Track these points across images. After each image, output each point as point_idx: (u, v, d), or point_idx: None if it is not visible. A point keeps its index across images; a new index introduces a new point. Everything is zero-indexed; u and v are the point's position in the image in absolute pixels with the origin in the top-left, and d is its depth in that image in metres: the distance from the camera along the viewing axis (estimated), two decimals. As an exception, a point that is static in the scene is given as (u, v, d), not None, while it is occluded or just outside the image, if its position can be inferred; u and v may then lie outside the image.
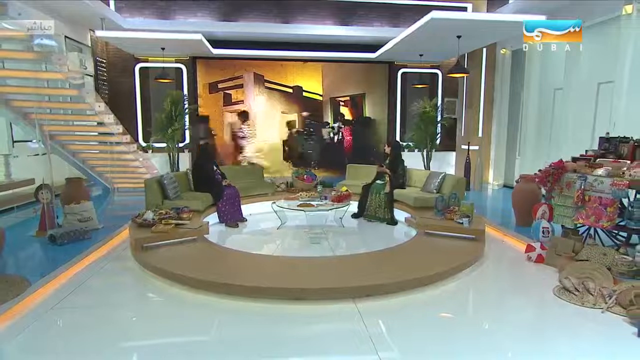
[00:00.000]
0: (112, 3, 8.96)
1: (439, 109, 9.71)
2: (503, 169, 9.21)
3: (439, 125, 9.71)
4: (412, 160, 9.54)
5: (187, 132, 9.71)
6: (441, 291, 3.70)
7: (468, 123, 9.81)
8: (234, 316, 3.26)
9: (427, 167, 9.27)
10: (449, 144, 10.69)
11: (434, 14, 6.46)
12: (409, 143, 10.14)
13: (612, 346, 2.83)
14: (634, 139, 4.45)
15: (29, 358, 2.71)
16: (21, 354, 2.75)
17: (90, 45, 9.10)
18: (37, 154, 6.47)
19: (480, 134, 9.40)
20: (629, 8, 5.45)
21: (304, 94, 10.63)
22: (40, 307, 3.28)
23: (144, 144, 9.80)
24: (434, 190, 6.06)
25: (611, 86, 6.03)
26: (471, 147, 9.07)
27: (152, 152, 9.78)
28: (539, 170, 4.69)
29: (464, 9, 9.56)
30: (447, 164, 10.77)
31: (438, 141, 10.17)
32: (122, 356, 2.70)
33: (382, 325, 3.07)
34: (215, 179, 6.13)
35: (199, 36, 8.13)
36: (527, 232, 5.16)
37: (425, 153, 9.37)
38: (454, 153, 10.83)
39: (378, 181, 6.44)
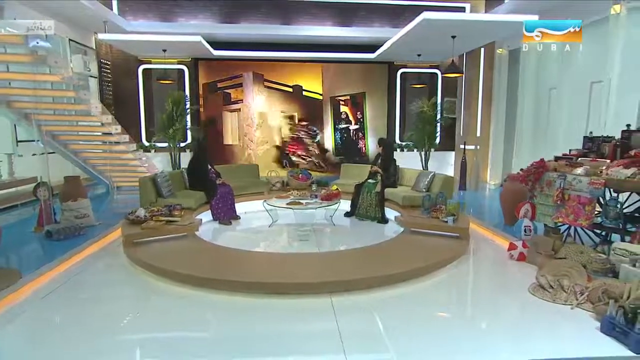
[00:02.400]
0: (115, 6, 9.20)
1: (439, 108, 9.74)
2: (501, 168, 9.22)
3: (438, 125, 9.76)
4: (411, 160, 9.63)
5: (189, 132, 9.92)
6: (419, 288, 3.78)
7: (467, 123, 9.82)
8: (215, 310, 3.38)
9: (425, 166, 9.30)
10: (449, 144, 10.71)
11: (426, 14, 6.53)
12: (408, 143, 10.17)
13: (575, 340, 2.89)
14: (616, 138, 4.47)
15: (17, 347, 2.86)
16: (10, 342, 2.89)
17: (94, 47, 9.36)
18: (42, 153, 6.68)
19: (478, 134, 9.40)
20: (617, 7, 5.45)
21: (304, 93, 10.73)
22: (30, 298, 3.46)
23: (146, 144, 10.03)
24: (424, 189, 6.14)
25: (605, 85, 6.02)
26: (468, 147, 9.10)
27: (154, 151, 10.03)
28: (521, 169, 4.74)
29: (462, 9, 9.61)
30: (447, 163, 10.79)
31: (437, 141, 10.23)
32: (107, 348, 2.78)
33: (353, 322, 3.13)
34: (208, 177, 6.28)
35: (198, 38, 8.31)
36: (515, 230, 5.22)
37: (423, 153, 9.41)
38: (453, 153, 10.83)
39: (370, 180, 6.53)
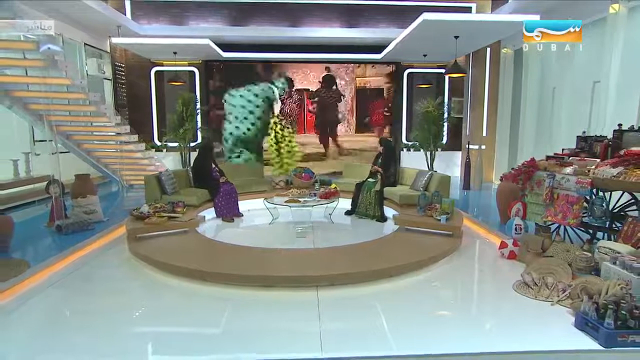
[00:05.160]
0: (128, 11, 9.55)
1: (446, 108, 9.78)
2: (506, 168, 9.17)
3: (444, 124, 9.79)
4: (416, 159, 9.69)
5: (199, 132, 10.21)
6: (405, 284, 3.88)
7: (473, 122, 9.81)
8: (205, 302, 3.55)
9: (430, 166, 9.34)
10: (456, 144, 10.70)
11: (426, 15, 6.60)
12: (415, 142, 10.21)
13: (550, 334, 2.95)
14: (609, 138, 4.48)
15: (21, 334, 3.04)
16: (15, 329, 3.09)
17: (109, 51, 9.74)
18: (54, 153, 7.04)
19: (484, 134, 9.39)
20: (616, 6, 5.43)
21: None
22: (36, 289, 3.70)
23: (158, 143, 10.36)
24: (421, 188, 6.21)
25: (604, 85, 5.98)
26: (472, 147, 9.11)
27: (166, 151, 10.35)
28: (512, 169, 4.79)
29: (469, 10, 9.62)
30: (454, 163, 10.79)
31: (444, 141, 10.25)
32: (100, 340, 2.88)
33: (335, 315, 3.25)
34: (212, 176, 6.51)
35: (206, 41, 8.57)
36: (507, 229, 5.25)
37: (429, 153, 9.44)
38: (460, 153, 10.82)
39: (370, 179, 6.65)
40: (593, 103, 6.46)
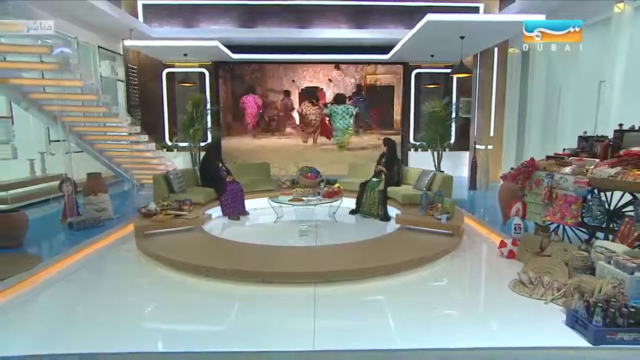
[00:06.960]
0: (140, 15, 9.79)
1: (454, 108, 9.78)
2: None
3: (452, 124, 9.78)
4: (424, 160, 9.71)
5: (209, 132, 10.40)
6: (400, 282, 3.93)
7: (480, 122, 9.79)
8: (205, 296, 3.69)
9: (438, 167, 9.35)
10: (464, 144, 10.68)
11: (430, 16, 6.64)
12: (422, 143, 10.22)
13: (542, 332, 2.98)
14: (610, 138, 4.47)
15: (29, 325, 3.18)
16: (23, 321, 3.24)
17: (122, 53, 10.00)
18: (67, 152, 7.28)
19: (492, 134, 9.36)
20: (620, 5, 5.40)
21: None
22: (47, 282, 3.88)
23: (169, 143, 10.59)
24: (424, 188, 6.25)
25: (609, 84, 5.95)
26: (478, 146, 9.09)
27: (177, 150, 10.57)
28: (512, 169, 4.82)
29: (477, 10, 9.61)
30: (462, 163, 10.75)
31: (452, 140, 10.24)
32: (105, 334, 2.98)
33: (330, 312, 3.34)
34: (218, 175, 6.66)
35: (215, 43, 8.75)
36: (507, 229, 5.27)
37: (437, 153, 9.45)
38: (468, 153, 10.79)
39: (374, 179, 6.72)
40: (599, 103, 6.43)
